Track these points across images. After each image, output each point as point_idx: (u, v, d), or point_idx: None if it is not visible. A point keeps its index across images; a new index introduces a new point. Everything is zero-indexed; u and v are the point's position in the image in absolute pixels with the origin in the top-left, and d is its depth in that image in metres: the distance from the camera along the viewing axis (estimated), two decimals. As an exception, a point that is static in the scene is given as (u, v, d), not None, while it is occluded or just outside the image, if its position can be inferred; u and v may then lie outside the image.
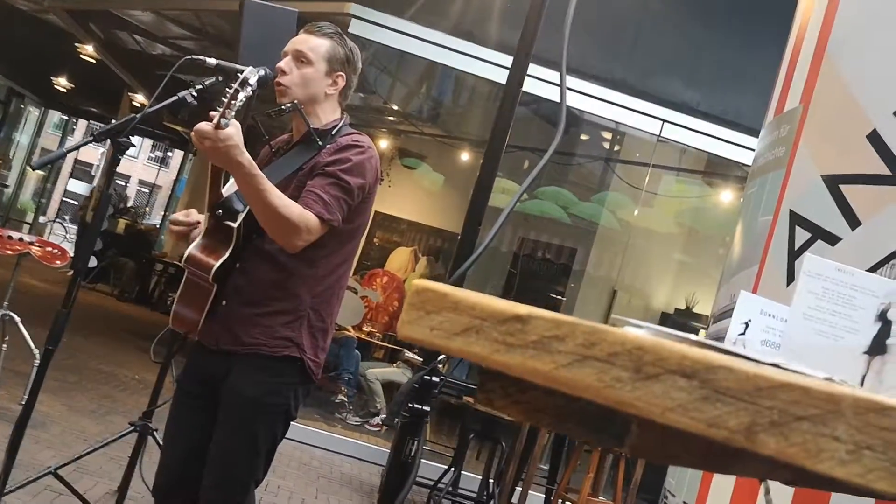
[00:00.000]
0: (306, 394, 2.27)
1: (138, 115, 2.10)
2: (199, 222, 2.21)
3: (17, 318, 4.61)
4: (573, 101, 6.66)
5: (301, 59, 2.22)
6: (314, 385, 2.28)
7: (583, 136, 10.09)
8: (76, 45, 11.34)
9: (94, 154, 18.77)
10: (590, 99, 6.73)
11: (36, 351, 4.61)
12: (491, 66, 6.43)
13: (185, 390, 2.28)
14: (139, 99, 13.48)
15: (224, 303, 2.17)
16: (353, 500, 4.89)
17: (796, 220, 1.40)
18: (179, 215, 2.23)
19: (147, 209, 23.69)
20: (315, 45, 2.24)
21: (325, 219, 2.07)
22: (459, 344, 0.46)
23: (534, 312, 0.44)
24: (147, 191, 28.14)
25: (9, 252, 4.53)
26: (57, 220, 19.14)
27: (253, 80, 1.91)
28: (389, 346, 8.08)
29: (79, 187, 25.79)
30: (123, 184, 26.83)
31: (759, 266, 1.48)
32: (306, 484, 4.97)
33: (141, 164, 27.87)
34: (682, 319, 9.33)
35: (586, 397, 0.42)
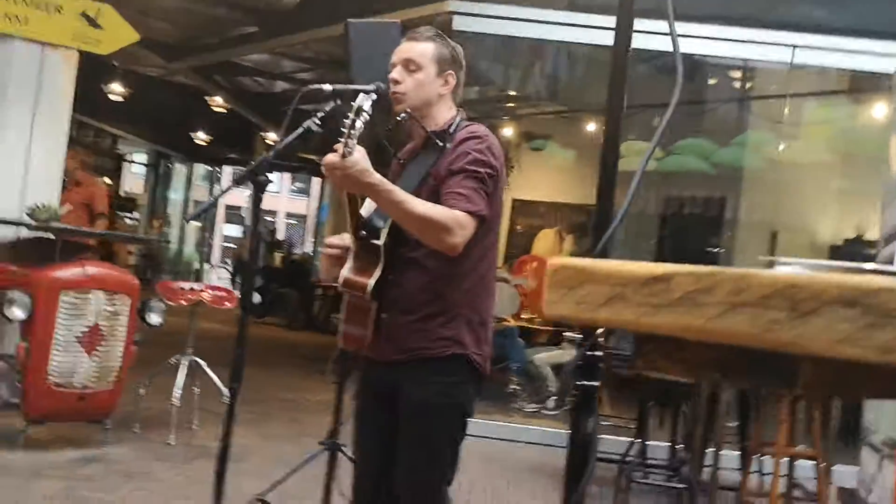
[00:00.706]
0: (478, 391, 2.30)
1: (271, 154, 2.20)
2: (350, 247, 2.28)
3: (203, 363, 4.95)
4: (695, 47, 6.40)
5: (410, 66, 2.26)
6: (484, 380, 2.31)
7: (711, 81, 9.69)
8: (206, 98, 12.02)
9: (242, 197, 19.81)
10: (713, 41, 6.45)
11: (224, 390, 4.92)
12: (600, 31, 6.29)
13: (364, 405, 2.38)
14: (271, 137, 14.10)
15: (384, 315, 2.24)
16: (543, 486, 4.91)
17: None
18: (334, 239, 2.33)
19: (296, 239, 24.73)
20: (421, 50, 2.27)
21: (472, 212, 2.09)
22: (606, 314, 0.46)
23: (674, 270, 0.43)
24: (295, 222, 29.42)
25: (183, 303, 4.87)
26: (220, 265, 20.36)
27: (367, 106, 1.97)
28: (552, 329, 8.06)
29: (233, 230, 27.30)
30: (272, 219, 28.15)
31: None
32: (494, 476, 5.03)
33: (285, 197, 29.15)
34: (854, 249, 8.76)
35: (745, 345, 0.40)
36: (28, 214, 4.90)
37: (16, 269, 4.43)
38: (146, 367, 4.94)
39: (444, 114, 2.30)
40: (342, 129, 1.95)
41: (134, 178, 21.48)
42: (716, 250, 10.37)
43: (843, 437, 4.82)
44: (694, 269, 0.43)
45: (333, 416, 3.52)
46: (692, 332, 0.43)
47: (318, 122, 2.24)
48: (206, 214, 22.11)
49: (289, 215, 29.96)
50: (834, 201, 9.38)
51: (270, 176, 2.25)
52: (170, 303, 4.80)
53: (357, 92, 2.33)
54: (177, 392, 4.77)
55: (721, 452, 4.78)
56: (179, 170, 20.21)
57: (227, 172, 21.99)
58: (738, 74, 9.47)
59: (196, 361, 4.95)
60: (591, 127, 9.51)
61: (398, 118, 2.25)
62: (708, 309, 0.42)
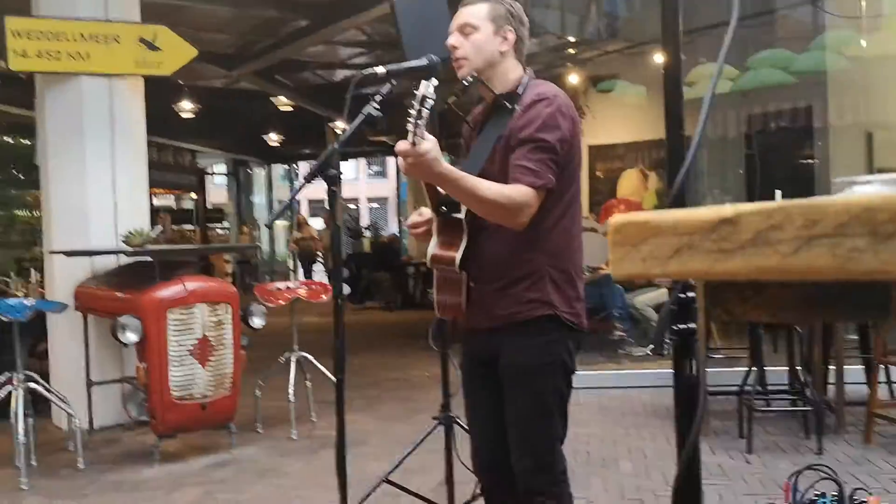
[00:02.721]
0: (578, 345, 2.29)
1: (336, 146, 2.21)
2: (430, 220, 2.30)
3: (310, 356, 5.08)
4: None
5: (466, 29, 2.24)
6: (582, 334, 2.29)
7: (779, -15, 9.30)
8: (272, 99, 12.22)
9: (319, 190, 20.14)
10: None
11: (334, 380, 5.04)
12: (651, -43, 6.08)
13: (469, 375, 2.40)
14: (339, 126, 14.26)
15: (472, 285, 2.24)
16: (660, 428, 4.86)
17: None
18: (414, 216, 2.34)
19: (380, 222, 25.05)
20: (474, 11, 2.25)
21: (538, 186, 2.08)
22: (676, 266, 0.44)
23: (741, 210, 0.41)
24: (377, 205, 29.74)
25: (282, 302, 4.99)
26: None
27: (430, 92, 1.95)
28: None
29: (320, 224, 27.77)
30: (354, 206, 28.54)
31: None
32: (612, 426, 5.01)
33: (364, 182, 29.48)
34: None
35: (828, 279, 0.38)
36: (124, 241, 5.10)
37: (122, 295, 4.62)
38: (259, 368, 5.11)
39: (511, 73, 2.26)
40: (408, 118, 1.94)
41: (217, 189, 22.12)
42: (810, 161, 9.98)
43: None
44: (762, 207, 0.41)
45: (443, 389, 3.56)
46: (768, 272, 0.40)
47: (376, 106, 2.23)
48: (285, 214, 22.60)
49: (370, 199, 30.32)
50: (935, 92, 8.89)
51: (341, 167, 2.27)
52: (269, 304, 4.93)
53: (411, 69, 2.33)
54: (291, 388, 4.91)
55: (844, 368, 4.62)
56: (258, 174, 20.68)
57: (304, 168, 22.39)
58: (807, -28, 9.04)
59: (304, 356, 5.08)
60: (659, 58, 9.23)
61: (465, 83, 2.23)
62: (782, 246, 0.40)
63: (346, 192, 22.27)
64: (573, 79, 10.32)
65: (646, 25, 9.86)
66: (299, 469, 4.32)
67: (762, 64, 9.62)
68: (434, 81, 2.04)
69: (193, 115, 12.21)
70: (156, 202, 17.74)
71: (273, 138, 16.14)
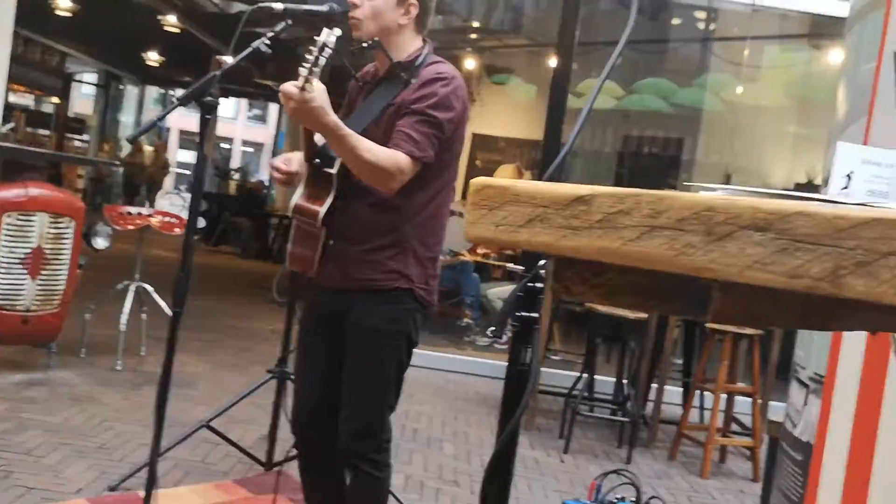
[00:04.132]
0: (423, 320, 2.32)
1: (218, 73, 2.13)
2: (298, 172, 2.24)
3: (151, 289, 4.88)
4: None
5: (370, -12, 2.19)
6: (430, 310, 2.32)
7: (675, 21, 9.64)
8: (159, 18, 11.61)
9: (192, 121, 19.39)
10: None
11: (170, 313, 4.88)
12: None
13: (308, 331, 2.37)
14: (226, 59, 13.73)
15: (332, 242, 2.22)
16: (490, 417, 5.00)
17: (903, 60, 1.29)
18: (279, 160, 2.28)
19: (252, 167, 24.39)
20: None
21: (416, 157, 2.08)
22: (526, 236, 0.44)
23: (596, 191, 0.42)
24: (252, 150, 28.90)
25: (131, 227, 4.77)
26: (174, 191, 20.00)
27: (332, 42, 1.91)
28: (506, 265, 8.11)
29: (189, 157, 26.73)
30: (228, 146, 27.64)
31: (868, 117, 1.37)
32: (444, 407, 5.11)
33: (242, 125, 28.58)
34: (805, 193, 8.87)
35: (660, 269, 0.40)
36: (-31, 132, 4.74)
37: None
38: (93, 293, 4.87)
39: (409, 44, 2.24)
40: (304, 63, 1.89)
41: (83, 99, 20.84)
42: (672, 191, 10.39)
43: (781, 375, 4.96)
44: (615, 191, 0.42)
45: (282, 343, 3.52)
46: (609, 255, 0.42)
47: (267, 42, 2.17)
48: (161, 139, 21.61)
49: (245, 143, 29.41)
50: (788, 146, 9.49)
51: (228, 100, 2.19)
52: (117, 227, 4.71)
53: (309, 13, 2.27)
54: (123, 318, 4.71)
55: (665, 388, 4.92)
56: (131, 92, 19.65)
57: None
58: (701, 15, 9.43)
59: (144, 287, 4.88)
60: (555, 62, 9.42)
61: (365, 44, 2.20)
62: (626, 231, 0.41)
63: (222, 131, 21.54)
64: (470, 64, 10.37)
65: (549, 27, 10.04)
66: (117, 401, 4.15)
67: (646, 89, 10.00)
68: (337, 31, 2.00)
69: (70, 14, 11.45)
70: (12, 98, 16.53)
71: (153, 58, 15.36)
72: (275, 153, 19.55)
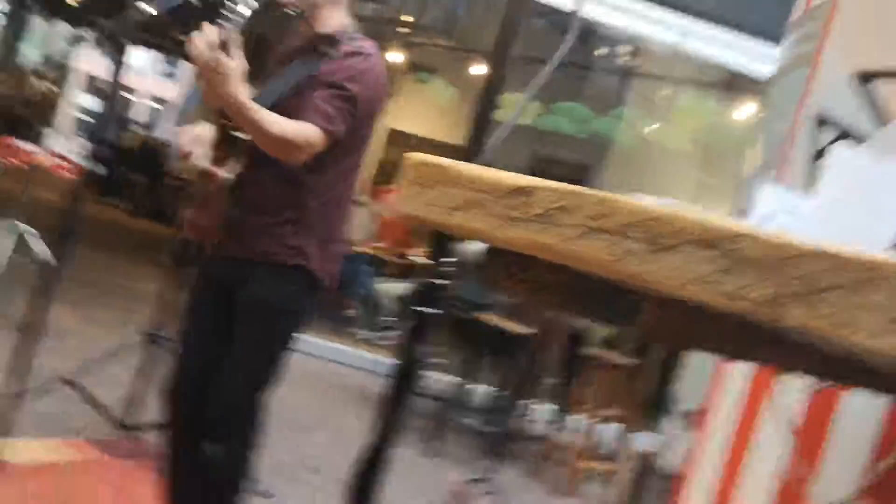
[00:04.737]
0: (318, 301, 2.28)
1: (137, 17, 2.03)
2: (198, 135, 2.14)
3: (33, 231, 4.63)
4: (593, 12, 6.48)
5: (303, -42, 2.14)
6: (325, 292, 2.28)
7: (601, 50, 9.86)
8: (81, -47, 11.07)
9: (103, 68, 18.56)
10: (608, 9, 6.54)
11: (52, 261, 4.64)
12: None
13: (199, 296, 2.29)
14: (145, 6, 13.29)
15: (234, 211, 2.15)
16: (366, 410, 4.97)
17: (820, 120, 1.34)
18: (187, 138, 2.15)
19: (159, 125, 23.56)
20: None
21: (327, 130, 2.03)
22: (459, 219, 0.42)
23: (539, 183, 0.41)
24: (159, 106, 27.88)
25: (15, 161, 4.51)
26: (74, 135, 19.08)
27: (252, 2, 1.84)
28: (402, 261, 8.10)
29: (93, 103, 25.55)
30: (134, 98, 26.58)
31: (779, 172, 1.42)
32: (320, 395, 5.05)
33: (150, 78, 27.54)
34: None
35: (596, 272, 0.38)
36: None
37: None
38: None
39: (334, 19, 2.20)
40: (221, 22, 1.80)
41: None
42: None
43: (653, 408, 5.14)
44: (559, 186, 0.41)
45: (160, 306, 3.40)
46: (545, 250, 0.40)
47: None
48: (63, 78, 20.62)
49: (153, 98, 28.34)
50: (689, 190, 9.86)
51: (144, 53, 2.09)
52: (3, 161, 4.44)
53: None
54: (1, 259, 4.45)
55: (538, 406, 5.01)
56: (39, 24, 18.62)
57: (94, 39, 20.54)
58: (626, 49, 9.68)
59: (25, 229, 4.62)
60: (480, 70, 9.49)
61: (289, 12, 2.14)
62: (566, 230, 0.40)
63: (129, 82, 20.70)
64: (395, 57, 10.32)
65: (479, 34, 10.10)
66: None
67: (564, 113, 10.20)
68: None
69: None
70: None
71: (68, -6, 14.63)
72: (182, 112, 18.93)
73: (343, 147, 2.13)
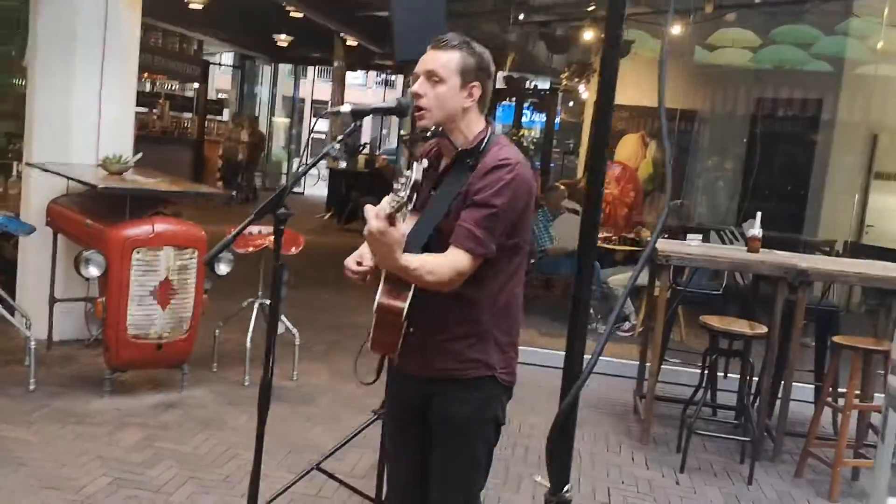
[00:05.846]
0: (509, 398, 2.34)
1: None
2: (372, 268, 2.24)
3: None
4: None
5: (433, 77, 2.18)
6: (512, 388, 2.33)
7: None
8: (283, 4, 11.94)
9: (327, 91, 19.80)
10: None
11: (293, 329, 5.09)
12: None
13: (394, 417, 2.43)
14: (348, 39, 14.38)
15: (412, 331, 2.24)
16: (606, 426, 4.93)
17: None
18: (351, 261, 2.28)
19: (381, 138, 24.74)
20: (445, 60, 2.18)
21: (477, 254, 2.07)
22: None
23: None
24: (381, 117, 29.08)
25: (251, 249, 4.97)
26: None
27: (419, 175, 1.98)
28: (627, 248, 7.95)
29: (322, 124, 27.33)
30: (357, 122, 28.03)
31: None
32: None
33: (371, 93, 28.96)
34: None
35: None
36: (101, 165, 5.06)
37: (91, 225, 4.60)
38: (224, 306, 5.16)
39: (473, 127, 2.22)
40: (396, 199, 1.88)
41: (221, 76, 21.80)
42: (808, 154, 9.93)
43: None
44: None
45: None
46: None
47: (337, 146, 2.20)
48: (294, 112, 22.34)
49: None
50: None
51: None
52: (237, 251, 4.91)
53: (377, 110, 2.26)
54: (249, 334, 4.94)
55: (790, 400, 4.69)
56: (265, 70, 20.31)
57: (311, 70, 22.02)
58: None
59: (266, 304, 5.09)
60: (676, 29, 9.02)
61: (430, 132, 2.19)
62: None
63: (351, 97, 21.90)
64: (587, 35, 10.12)
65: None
66: (243, 424, 4.38)
67: (785, 38, 9.43)
68: (425, 163, 2.13)
69: (201, 6, 11.94)
70: (157, 88, 17.47)
71: (282, 38, 15.87)
72: (402, 123, 19.71)
73: (499, 259, 2.15)
